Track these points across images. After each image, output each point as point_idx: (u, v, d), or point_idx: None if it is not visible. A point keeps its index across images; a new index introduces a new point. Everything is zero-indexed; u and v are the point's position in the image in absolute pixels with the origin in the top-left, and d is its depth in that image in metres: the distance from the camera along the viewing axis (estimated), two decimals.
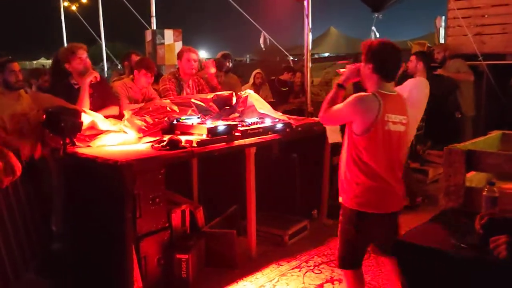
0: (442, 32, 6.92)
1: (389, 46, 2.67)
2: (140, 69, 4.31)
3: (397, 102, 2.69)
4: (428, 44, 6.73)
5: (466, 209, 2.26)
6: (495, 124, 4.54)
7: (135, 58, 5.07)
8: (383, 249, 2.89)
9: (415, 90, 4.44)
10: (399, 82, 4.52)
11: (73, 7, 13.55)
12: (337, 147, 4.88)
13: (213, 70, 4.69)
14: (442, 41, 6.79)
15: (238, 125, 3.76)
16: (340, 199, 2.82)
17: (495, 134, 2.90)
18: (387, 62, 2.66)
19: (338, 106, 2.76)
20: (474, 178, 2.57)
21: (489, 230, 1.87)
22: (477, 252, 1.84)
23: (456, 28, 6.41)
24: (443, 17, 6.77)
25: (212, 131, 3.49)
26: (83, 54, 3.88)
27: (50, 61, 17.13)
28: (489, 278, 1.75)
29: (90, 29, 13.28)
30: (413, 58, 4.94)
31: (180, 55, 4.55)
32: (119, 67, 14.16)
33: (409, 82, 4.59)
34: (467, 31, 6.02)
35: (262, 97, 4.38)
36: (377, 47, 2.65)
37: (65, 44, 13.14)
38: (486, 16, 6.23)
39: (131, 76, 4.48)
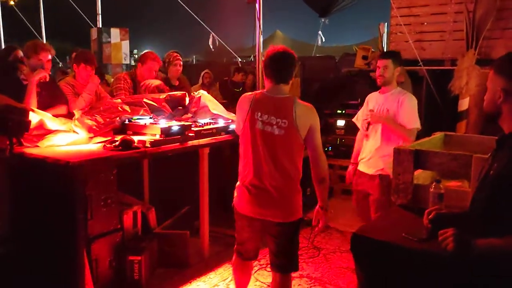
0: (385, 37, 7.19)
1: (272, 54, 2.77)
2: (79, 63, 4.17)
3: (278, 104, 2.75)
4: (372, 49, 6.98)
5: (415, 205, 2.39)
6: (434, 126, 4.78)
7: None
8: (271, 261, 2.97)
9: None
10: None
11: (11, 2, 12.88)
12: None
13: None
14: (385, 46, 7.05)
15: (192, 126, 3.76)
16: None
17: (439, 135, 3.09)
18: (270, 69, 2.79)
19: None
20: (420, 176, 2.72)
21: (436, 224, 1.99)
22: (426, 245, 1.96)
23: (398, 35, 6.69)
24: (386, 23, 7.04)
25: (165, 131, 3.47)
26: (45, 57, 3.82)
27: None
28: (438, 269, 1.86)
29: (30, 26, 12.74)
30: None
31: (143, 60, 4.44)
32: (60, 65, 13.66)
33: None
34: (409, 38, 6.30)
35: None
36: (266, 57, 2.81)
37: (2, 41, 12.54)
38: (426, 23, 6.54)
39: (73, 73, 4.36)
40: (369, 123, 3.70)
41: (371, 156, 3.70)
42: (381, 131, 3.64)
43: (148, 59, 4.42)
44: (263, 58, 3.23)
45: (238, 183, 2.93)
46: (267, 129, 2.72)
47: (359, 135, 3.96)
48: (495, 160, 1.93)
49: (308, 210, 5.44)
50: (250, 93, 2.91)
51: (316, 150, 2.76)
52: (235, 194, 2.94)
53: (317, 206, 2.84)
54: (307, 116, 2.75)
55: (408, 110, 3.58)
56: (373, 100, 3.80)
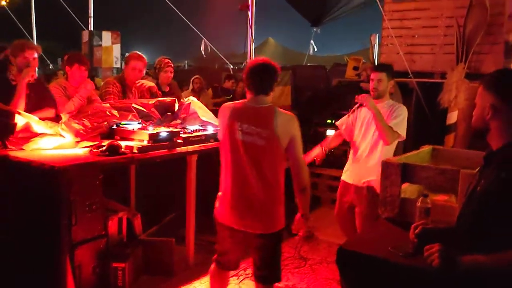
0: (376, 48, 7.23)
1: (253, 66, 2.79)
2: (72, 64, 4.12)
3: (258, 113, 2.73)
4: (363, 60, 7.02)
5: (401, 219, 2.39)
6: (422, 138, 4.79)
7: None
8: (253, 272, 2.96)
9: None
10: None
11: (3, 2, 12.79)
12: None
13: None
14: (376, 57, 7.10)
15: (180, 132, 3.74)
16: None
17: (426, 148, 3.09)
18: (250, 80, 2.77)
19: None
20: (407, 190, 2.72)
21: (422, 239, 1.99)
22: (412, 260, 1.95)
23: (389, 46, 6.73)
24: (378, 35, 7.08)
25: (153, 137, 3.44)
26: (31, 54, 3.77)
27: None
28: (423, 285, 1.85)
29: (20, 26, 12.65)
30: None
31: (127, 61, 4.43)
32: (51, 67, 13.56)
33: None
34: (399, 50, 6.34)
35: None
36: (247, 68, 2.82)
37: None
38: (417, 36, 6.59)
39: (65, 75, 4.32)
40: (360, 105, 3.67)
41: (358, 166, 3.69)
42: (370, 142, 3.63)
43: (131, 58, 4.42)
44: None
45: (219, 193, 2.90)
46: (247, 139, 2.69)
47: (336, 131, 4.05)
48: (482, 177, 1.93)
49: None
50: (230, 102, 2.89)
51: (297, 159, 2.74)
52: (217, 204, 2.90)
53: (298, 214, 2.83)
54: (288, 126, 2.72)
55: (398, 117, 3.55)
56: (364, 110, 3.73)
